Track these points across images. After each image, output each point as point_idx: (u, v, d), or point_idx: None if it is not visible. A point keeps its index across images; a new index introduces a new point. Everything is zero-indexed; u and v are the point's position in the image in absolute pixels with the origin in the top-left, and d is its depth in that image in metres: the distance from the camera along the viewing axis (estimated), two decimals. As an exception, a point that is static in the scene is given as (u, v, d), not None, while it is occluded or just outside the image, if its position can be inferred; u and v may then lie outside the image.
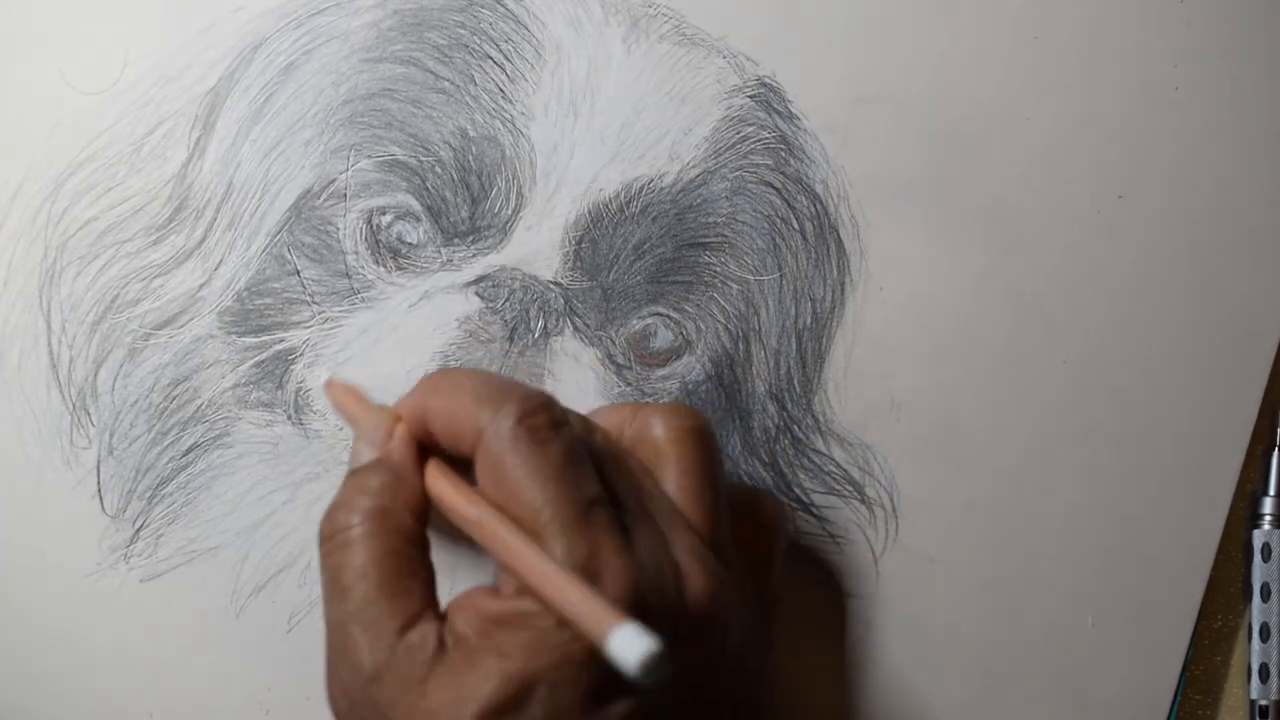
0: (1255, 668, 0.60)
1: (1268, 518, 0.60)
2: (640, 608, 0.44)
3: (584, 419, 0.50)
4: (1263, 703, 0.60)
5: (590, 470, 0.47)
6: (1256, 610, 0.60)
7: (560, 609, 0.44)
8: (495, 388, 0.47)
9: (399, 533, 0.47)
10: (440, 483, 0.48)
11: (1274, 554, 0.60)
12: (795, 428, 0.58)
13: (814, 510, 0.58)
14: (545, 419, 0.46)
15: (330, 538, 0.48)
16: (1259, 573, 0.60)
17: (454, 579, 0.53)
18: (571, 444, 0.46)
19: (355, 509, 0.47)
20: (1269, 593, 0.60)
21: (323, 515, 0.48)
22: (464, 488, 0.48)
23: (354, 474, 0.49)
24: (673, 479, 0.49)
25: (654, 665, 0.41)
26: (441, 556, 0.49)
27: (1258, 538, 0.60)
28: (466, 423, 0.47)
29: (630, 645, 0.42)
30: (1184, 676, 0.59)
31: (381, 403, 0.51)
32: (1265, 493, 0.61)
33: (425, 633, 0.46)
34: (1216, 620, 0.61)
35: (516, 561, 0.45)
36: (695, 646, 0.46)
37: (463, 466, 0.48)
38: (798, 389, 0.58)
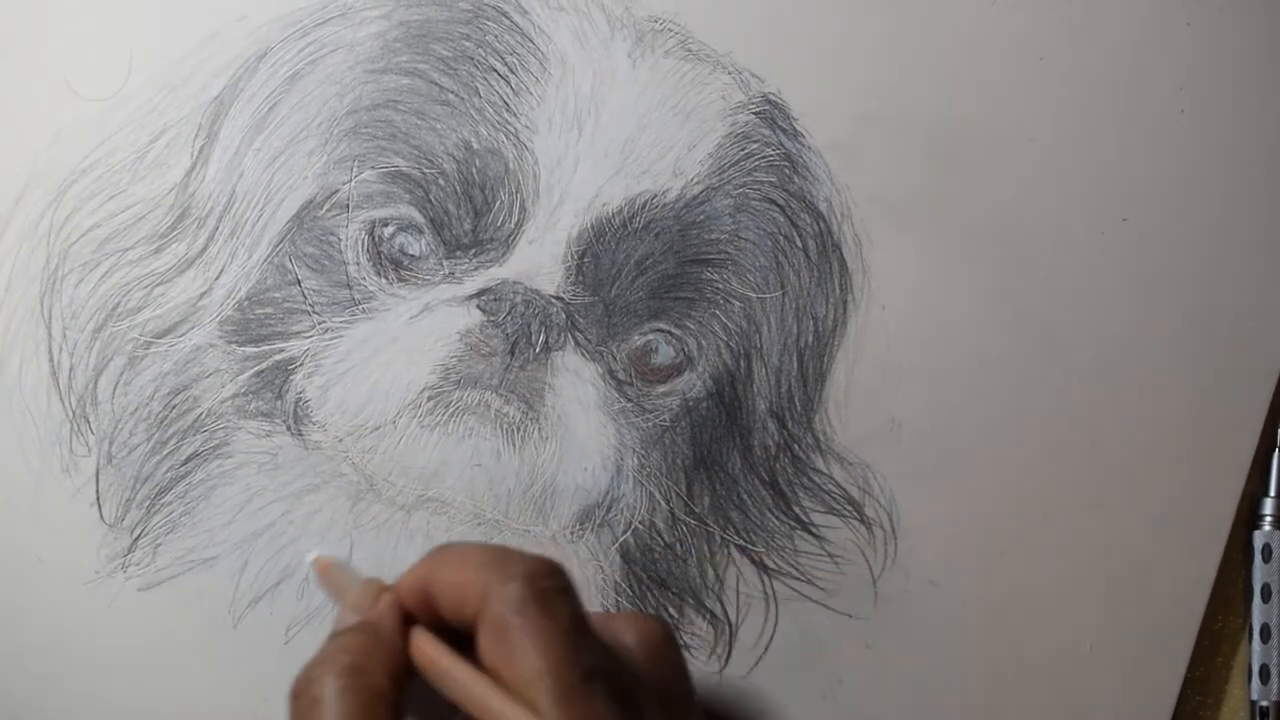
0: (1256, 669, 0.60)
1: (1268, 519, 0.60)
2: None
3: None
4: (1263, 704, 0.60)
5: (595, 641, 0.46)
6: (1257, 611, 0.60)
7: None
8: (504, 554, 0.47)
9: (372, 691, 0.45)
10: (429, 647, 0.47)
11: (1274, 555, 0.60)
12: (795, 446, 0.58)
13: (813, 530, 0.58)
14: (554, 584, 0.46)
15: (300, 696, 0.46)
16: (1259, 574, 0.60)
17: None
18: (578, 612, 0.46)
19: (328, 666, 0.46)
20: (1269, 594, 0.60)
21: (296, 676, 0.46)
22: (454, 654, 0.46)
23: (332, 635, 0.48)
24: (652, 681, 0.48)
25: None
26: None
27: (1258, 539, 0.60)
28: (473, 585, 0.46)
29: None
30: (1185, 678, 0.59)
31: (370, 577, 0.50)
32: (1265, 494, 0.61)
33: None
34: (1217, 621, 0.61)
35: None
36: None
37: (461, 644, 0.47)
38: (798, 407, 0.58)
